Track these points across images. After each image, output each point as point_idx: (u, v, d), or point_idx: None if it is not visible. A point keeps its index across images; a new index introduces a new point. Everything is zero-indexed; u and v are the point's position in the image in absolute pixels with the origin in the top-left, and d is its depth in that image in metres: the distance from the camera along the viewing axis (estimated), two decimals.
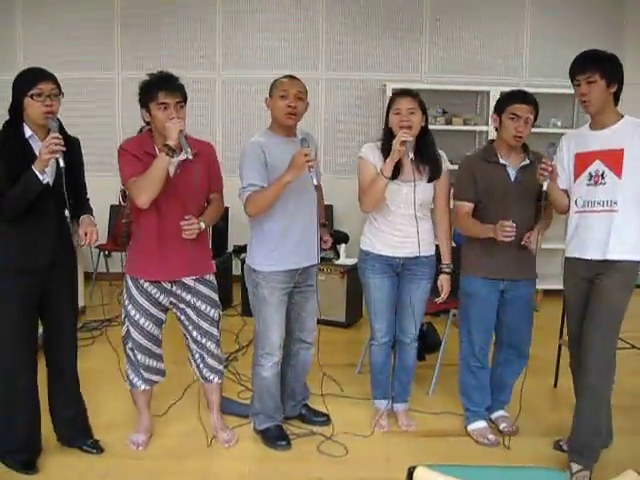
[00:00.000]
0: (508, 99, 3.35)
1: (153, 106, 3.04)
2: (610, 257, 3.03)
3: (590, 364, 3.07)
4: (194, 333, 3.35)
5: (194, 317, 3.32)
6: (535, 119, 3.34)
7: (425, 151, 3.38)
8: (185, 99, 3.12)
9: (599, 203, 3.07)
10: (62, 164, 2.85)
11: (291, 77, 3.30)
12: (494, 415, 3.69)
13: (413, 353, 3.65)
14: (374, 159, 3.40)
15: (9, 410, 3.09)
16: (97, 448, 3.33)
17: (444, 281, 3.52)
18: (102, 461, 3.27)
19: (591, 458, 3.12)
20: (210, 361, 3.41)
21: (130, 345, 3.32)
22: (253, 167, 3.20)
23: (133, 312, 3.27)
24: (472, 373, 3.57)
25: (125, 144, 3.18)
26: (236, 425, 3.63)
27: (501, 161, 3.37)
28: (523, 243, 3.27)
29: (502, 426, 3.59)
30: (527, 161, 3.36)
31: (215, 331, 3.38)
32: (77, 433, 3.33)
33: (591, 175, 3.10)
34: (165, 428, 3.56)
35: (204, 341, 3.36)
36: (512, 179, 3.36)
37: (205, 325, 3.34)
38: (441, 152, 3.48)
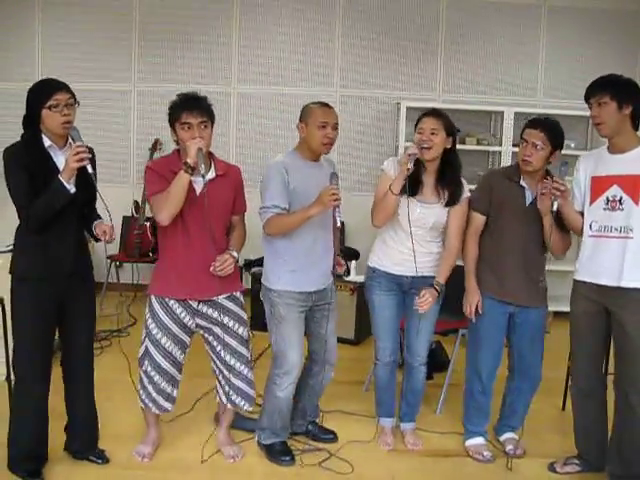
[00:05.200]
0: (525, 124, 3.35)
1: (178, 126, 3.08)
2: (624, 285, 3.01)
3: (636, 402, 3.06)
4: (222, 353, 3.29)
5: (222, 335, 3.27)
6: (553, 145, 3.25)
7: (449, 174, 3.35)
8: (211, 119, 3.13)
9: (616, 229, 3.04)
10: (91, 170, 2.92)
11: (327, 105, 3.34)
12: (502, 437, 3.67)
13: (422, 376, 3.60)
14: (394, 173, 3.37)
15: (20, 418, 3.11)
16: (103, 458, 3.33)
17: (428, 292, 3.32)
18: (107, 471, 3.28)
19: None
20: (238, 383, 3.32)
21: (146, 366, 3.25)
22: (276, 187, 3.20)
23: (155, 330, 3.22)
24: (473, 396, 3.57)
25: (151, 163, 3.25)
26: (242, 440, 3.62)
27: (521, 182, 3.35)
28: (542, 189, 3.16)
29: (508, 448, 3.56)
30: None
31: (245, 351, 3.32)
32: (86, 443, 3.34)
33: (608, 200, 3.06)
34: (171, 440, 3.56)
35: (232, 362, 3.29)
36: (527, 202, 3.34)
37: (233, 343, 3.28)
38: (463, 180, 3.42)
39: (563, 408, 4.18)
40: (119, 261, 6.39)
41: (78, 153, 2.85)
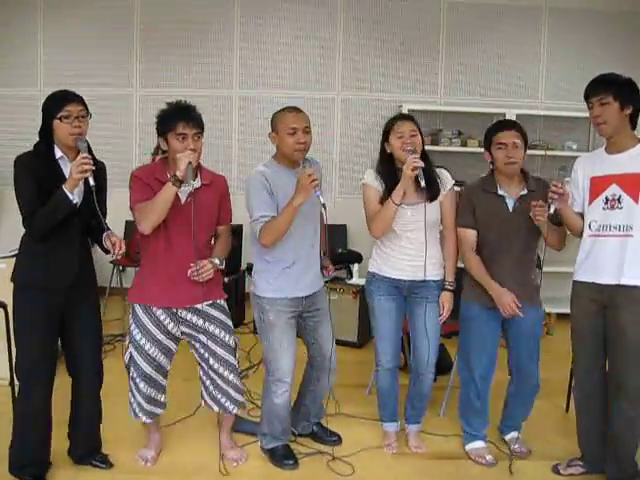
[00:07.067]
0: (491, 131, 3.38)
1: (171, 136, 3.05)
2: (625, 282, 3.00)
3: (626, 404, 3.06)
4: (210, 361, 3.28)
5: (209, 343, 3.26)
6: (525, 144, 3.34)
7: (425, 173, 3.33)
8: (202, 130, 3.12)
9: (615, 227, 3.05)
10: (92, 182, 2.89)
11: (295, 110, 3.27)
12: (507, 436, 3.67)
13: (429, 382, 3.57)
14: (377, 184, 3.39)
15: (22, 424, 3.10)
16: (106, 463, 3.33)
17: (445, 299, 3.42)
18: (110, 476, 3.28)
19: None
20: (227, 388, 3.32)
21: (132, 372, 3.25)
22: (261, 198, 3.19)
23: (139, 337, 3.20)
24: (470, 400, 3.56)
25: (137, 171, 3.21)
26: (245, 443, 3.62)
27: (499, 192, 3.37)
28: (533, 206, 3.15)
29: (513, 447, 3.55)
30: (525, 191, 3.35)
31: (232, 359, 3.31)
32: (89, 447, 3.34)
33: (607, 199, 3.07)
34: (174, 445, 3.56)
35: (221, 370, 3.28)
36: (510, 209, 3.36)
37: (221, 352, 3.27)
38: (444, 171, 3.45)
39: (567, 410, 4.16)
40: (122, 265, 6.39)
41: (82, 164, 2.84)
